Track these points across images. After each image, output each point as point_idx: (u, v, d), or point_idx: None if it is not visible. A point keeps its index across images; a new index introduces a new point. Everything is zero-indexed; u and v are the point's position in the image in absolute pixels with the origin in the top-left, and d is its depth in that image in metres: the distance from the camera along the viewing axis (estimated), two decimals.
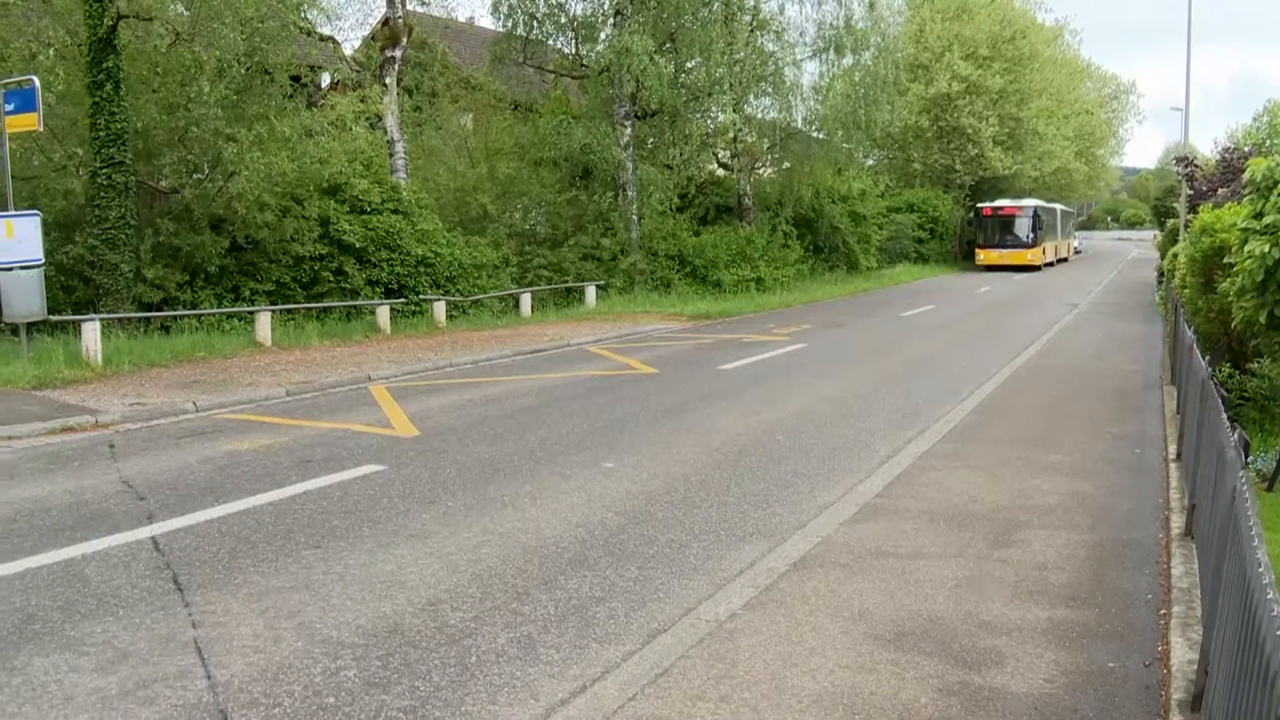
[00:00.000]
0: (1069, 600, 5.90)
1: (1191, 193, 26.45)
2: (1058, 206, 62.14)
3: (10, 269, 14.47)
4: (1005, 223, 52.74)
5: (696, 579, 6.55)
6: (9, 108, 15.11)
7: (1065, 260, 62.75)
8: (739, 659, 5.15)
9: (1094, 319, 24.45)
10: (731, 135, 34.51)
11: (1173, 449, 9.99)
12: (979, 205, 54.51)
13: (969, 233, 57.59)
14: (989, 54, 52.85)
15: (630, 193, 30.36)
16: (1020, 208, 52.67)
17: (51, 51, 20.71)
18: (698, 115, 32.21)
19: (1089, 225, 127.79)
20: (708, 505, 8.28)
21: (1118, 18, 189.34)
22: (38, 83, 15.07)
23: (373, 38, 30.48)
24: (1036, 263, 52.37)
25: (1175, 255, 19.99)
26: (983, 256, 52.89)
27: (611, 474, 9.36)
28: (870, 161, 51.89)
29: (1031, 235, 51.96)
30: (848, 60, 35.29)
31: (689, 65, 31.18)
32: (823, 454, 10.15)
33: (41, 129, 15.90)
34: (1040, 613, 5.71)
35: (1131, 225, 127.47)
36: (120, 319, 18.69)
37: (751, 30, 32.33)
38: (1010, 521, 7.42)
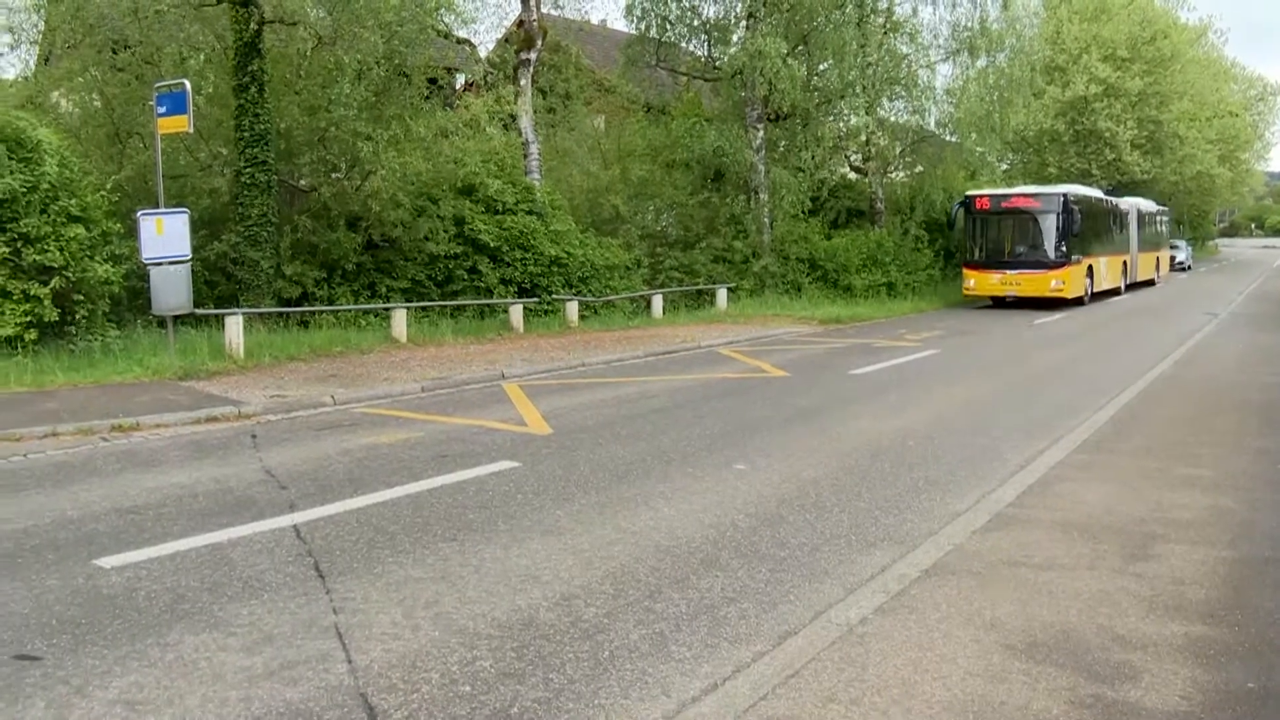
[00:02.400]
0: (1207, 617, 5.74)
1: None
2: (1125, 202, 40.37)
3: (160, 264, 14.93)
4: (1013, 224, 31.92)
5: (827, 582, 6.49)
6: (161, 110, 15.57)
7: (1151, 284, 43.34)
8: (870, 663, 5.11)
9: (1235, 329, 23.70)
10: (864, 138, 34.25)
11: None
12: (969, 194, 32.84)
13: (950, 238, 37.13)
14: (1128, 55, 51.57)
15: (762, 195, 30.26)
16: (1039, 197, 31.67)
17: (200, 56, 21.37)
18: (830, 118, 32.02)
19: (1231, 232, 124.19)
20: (839, 510, 8.21)
21: (1265, 16, 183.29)
22: (189, 86, 15.51)
23: (507, 40, 30.83)
24: (1069, 292, 31.11)
25: None
26: (974, 282, 31.79)
27: (743, 476, 9.33)
28: (1004, 165, 51.06)
29: (1059, 246, 30.79)
30: (982, 62, 34.72)
31: (821, 68, 31.00)
32: (954, 461, 9.99)
33: (191, 130, 16.37)
34: (1177, 628, 5.56)
35: (1277, 233, 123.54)
36: (261, 313, 19.19)
37: (885, 32, 32.03)
38: (1146, 535, 7.23)
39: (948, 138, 36.45)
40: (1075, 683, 4.86)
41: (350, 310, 20.95)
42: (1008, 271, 31.09)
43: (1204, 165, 59.77)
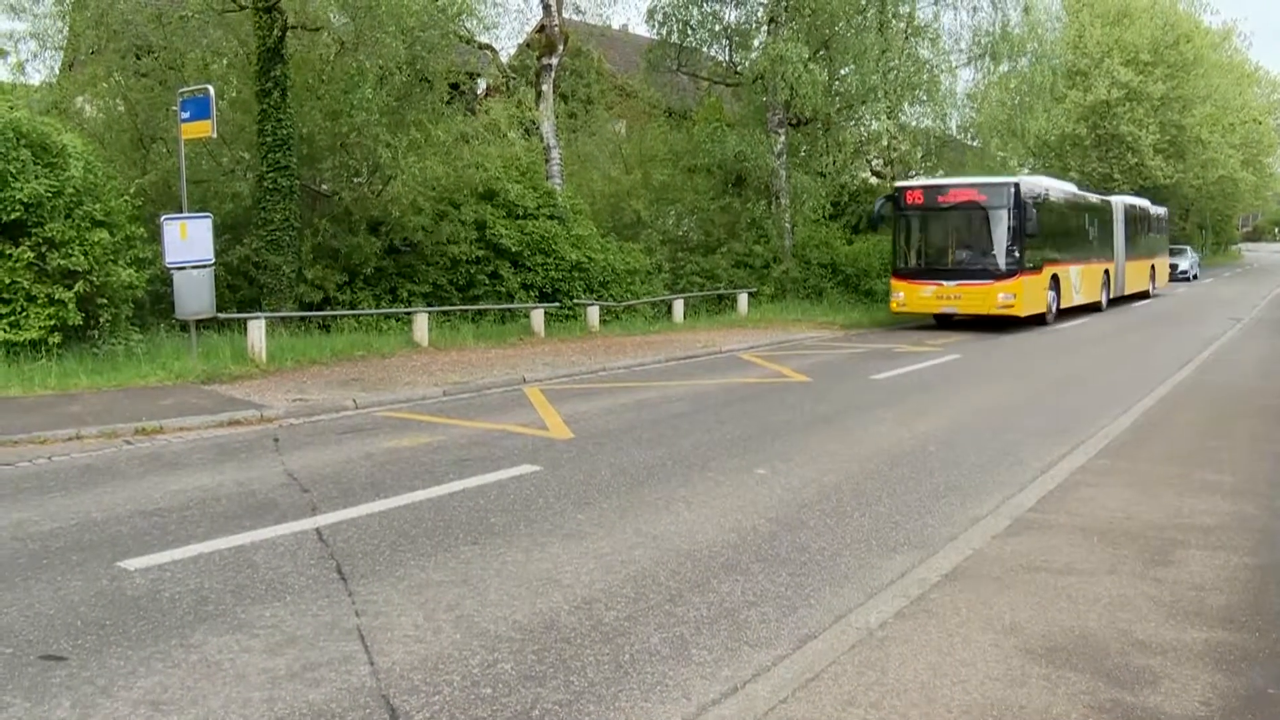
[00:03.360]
0: (1227, 623, 5.71)
1: None
2: (1107, 198, 34.50)
3: (183, 268, 15.02)
4: (952, 223, 25.84)
5: (848, 587, 6.49)
6: (185, 115, 15.67)
7: (1144, 296, 37.15)
8: (890, 667, 5.10)
9: (1259, 335, 23.59)
10: (885, 143, 34.26)
11: None
12: (899, 186, 27.35)
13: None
14: (1151, 59, 51.38)
15: (783, 200, 30.25)
16: (985, 189, 25.13)
17: (224, 61, 21.50)
18: (851, 123, 31.97)
19: (1255, 236, 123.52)
20: (859, 514, 8.20)
21: None
22: (212, 91, 15.61)
23: (528, 45, 30.94)
24: (1021, 308, 24.74)
25: None
26: (903, 295, 25.61)
27: (764, 481, 9.33)
28: (1025, 170, 50.93)
29: (1010, 250, 24.46)
30: (1004, 67, 34.62)
31: (843, 73, 30.92)
32: (975, 466, 9.97)
33: (214, 135, 16.47)
34: (1197, 634, 5.54)
35: None
36: (283, 318, 19.26)
37: (906, 37, 31.93)
38: (1167, 540, 7.20)
39: (969, 143, 36.38)
40: (1095, 687, 4.85)
41: (372, 314, 21.03)
42: (944, 283, 24.68)
43: (1227, 170, 59.48)
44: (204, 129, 15.61)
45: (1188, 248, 55.98)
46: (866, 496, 8.76)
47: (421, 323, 19.84)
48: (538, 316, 22.44)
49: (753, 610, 6.06)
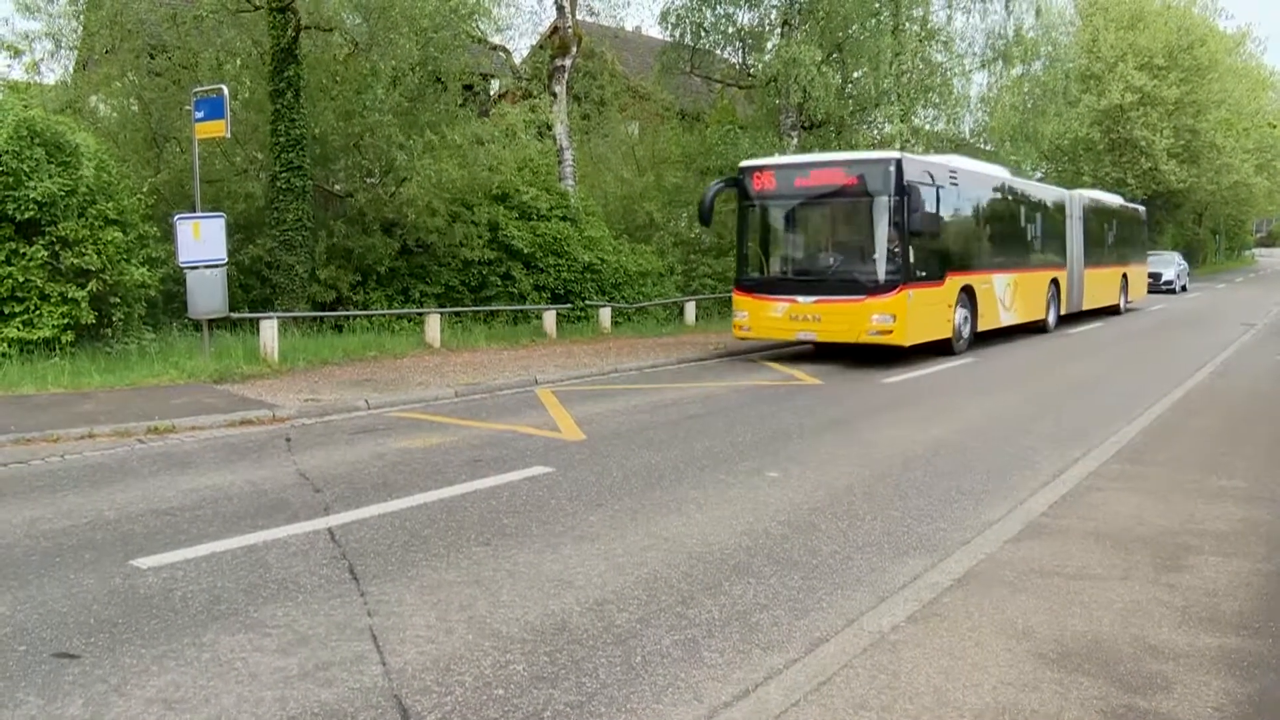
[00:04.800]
0: (1240, 629, 5.68)
1: None
2: (1054, 190, 28.33)
3: (196, 268, 15.04)
4: (813, 217, 20.00)
5: (860, 590, 6.47)
6: (199, 115, 15.71)
7: (1114, 311, 32.10)
8: (901, 671, 5.09)
9: (1273, 340, 23.51)
10: (898, 146, 34.16)
11: None
12: (744, 165, 20.04)
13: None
14: (1165, 64, 51.31)
15: None
16: (854, 167, 18.48)
17: (237, 61, 21.55)
18: (864, 126, 31.93)
19: (1269, 242, 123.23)
20: (871, 518, 8.18)
21: None
22: (226, 91, 15.64)
23: (541, 46, 30.99)
24: (904, 335, 18.04)
25: None
26: (747, 315, 19.40)
27: (776, 484, 9.32)
28: (1038, 175, 50.80)
29: (891, 254, 17.95)
30: (1017, 70, 34.58)
31: (856, 76, 30.87)
32: (987, 470, 9.94)
33: (228, 135, 16.50)
34: (1210, 640, 5.51)
35: None
36: (295, 317, 19.30)
37: (920, 41, 31.89)
38: (1179, 546, 7.17)
39: (982, 146, 36.30)
40: (1107, 692, 4.83)
41: (384, 315, 21.07)
42: (799, 299, 18.46)
43: (1241, 175, 59.37)
44: (218, 129, 15.64)
45: (1175, 253, 51.15)
46: (878, 500, 8.74)
47: (434, 323, 19.86)
48: (550, 318, 22.47)
49: (765, 613, 6.05)
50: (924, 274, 18.51)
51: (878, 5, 29.01)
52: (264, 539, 7.36)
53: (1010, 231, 23.84)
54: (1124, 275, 33.07)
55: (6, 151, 14.28)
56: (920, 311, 18.34)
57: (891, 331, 17.79)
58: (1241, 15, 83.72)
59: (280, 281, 19.55)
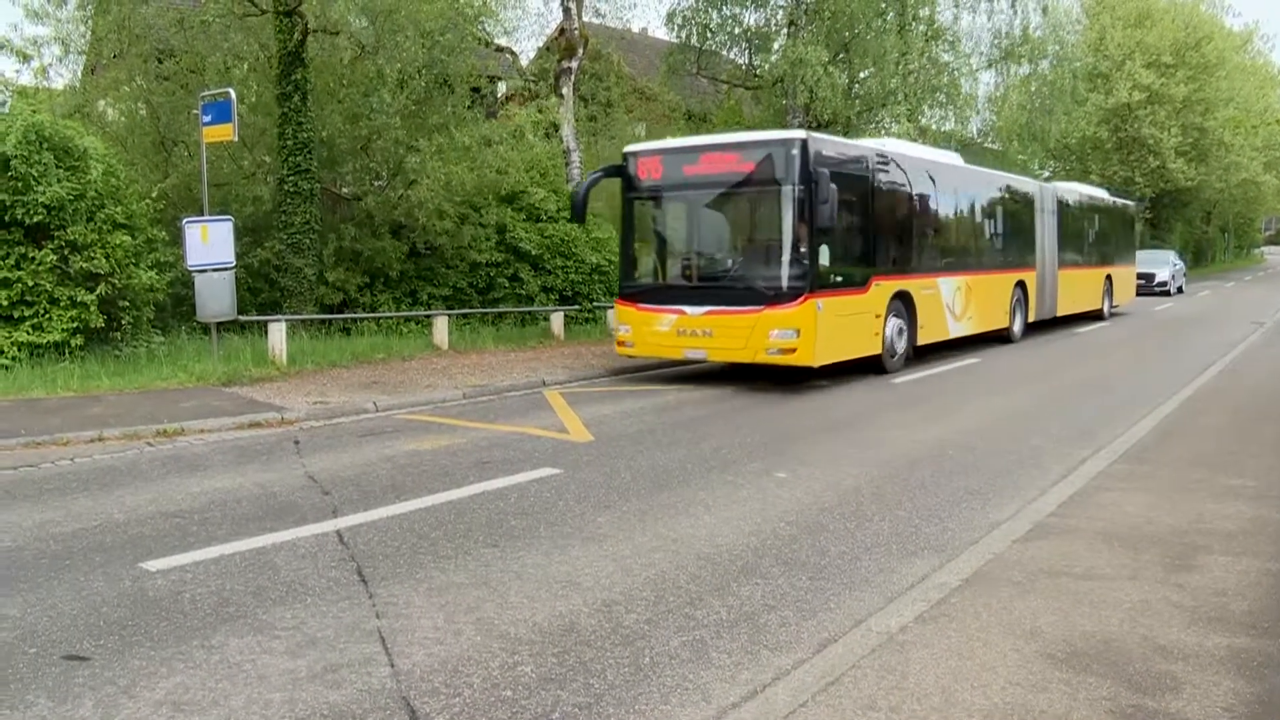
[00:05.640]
0: (1249, 629, 5.67)
1: None
2: (1009, 178, 24.20)
3: (205, 271, 15.08)
4: (704, 210, 16.31)
5: (868, 591, 6.46)
6: (207, 119, 15.75)
7: (1096, 316, 29.26)
8: (910, 671, 5.08)
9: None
10: None
11: None
12: (629, 151, 16.79)
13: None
14: (1172, 62, 51.19)
15: None
16: (749, 150, 15.33)
17: (245, 65, 21.59)
18: (871, 126, 31.92)
19: (1278, 240, 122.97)
20: (879, 518, 8.18)
21: None
22: (234, 95, 15.67)
23: (548, 48, 31.00)
24: (810, 354, 14.87)
25: None
26: (629, 329, 16.29)
27: (784, 484, 9.31)
28: (1046, 174, 50.73)
29: (795, 255, 14.85)
30: (1024, 70, 34.59)
31: (862, 76, 30.88)
32: (995, 470, 9.92)
33: (235, 139, 16.54)
34: (1219, 640, 5.49)
35: None
36: (303, 320, 19.33)
37: (926, 40, 31.88)
38: (1188, 546, 7.14)
39: (990, 146, 36.27)
40: (1116, 693, 4.82)
41: (392, 317, 21.10)
42: (688, 309, 15.51)
43: (1250, 173, 59.25)
44: (225, 133, 15.68)
45: (1169, 252, 47.51)
46: (886, 500, 8.74)
47: (442, 325, 19.88)
48: (557, 319, 22.47)
49: (772, 614, 6.05)
50: (840, 279, 15.66)
51: (884, 5, 29.00)
52: (273, 541, 7.38)
53: (962, 227, 21.02)
54: (1108, 277, 30.06)
55: (15, 156, 14.33)
56: (834, 324, 15.28)
57: (795, 349, 14.77)
58: (1249, 12, 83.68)
59: (288, 284, 19.57)
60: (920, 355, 18.76)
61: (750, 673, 5.23)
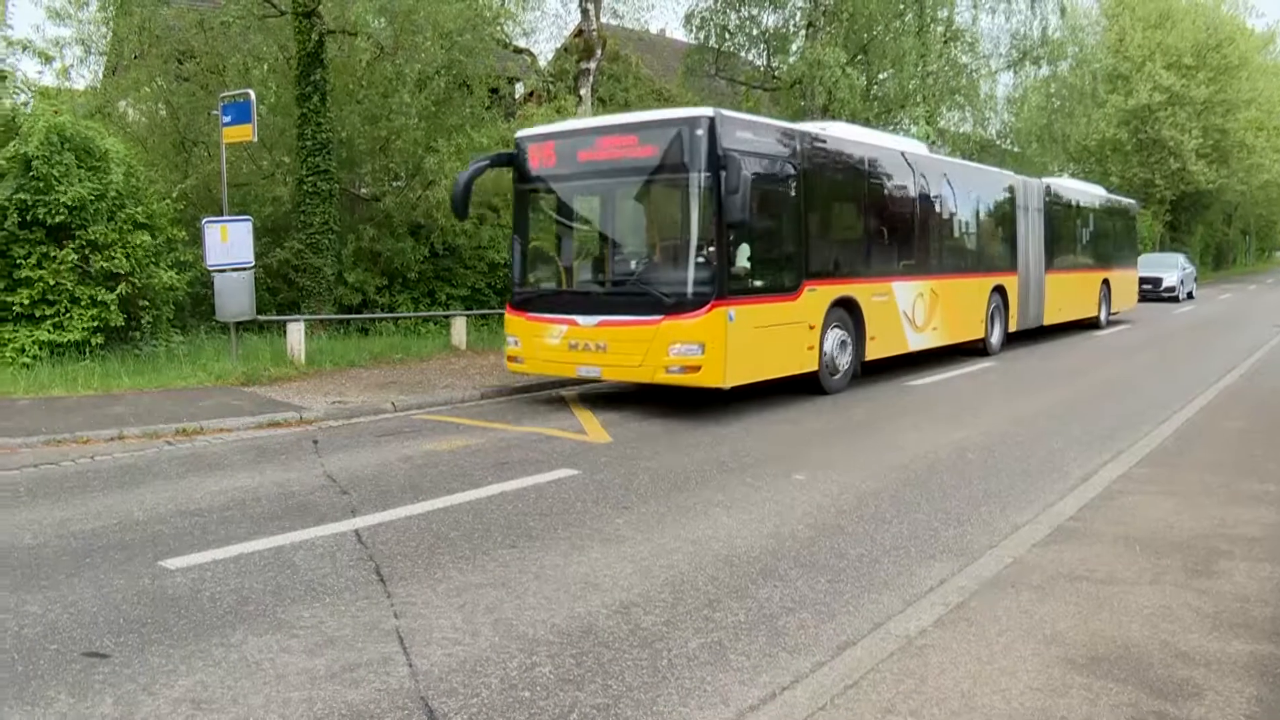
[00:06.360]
0: (1272, 635, 5.61)
1: None
2: (983, 169, 22.44)
3: (224, 270, 15.12)
4: (601, 202, 14.45)
5: (887, 594, 6.44)
6: (226, 119, 15.80)
7: (1092, 325, 26.77)
8: (929, 675, 5.05)
9: None
10: (925, 148, 34.13)
11: None
12: (520, 136, 14.52)
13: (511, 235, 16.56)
14: (1193, 63, 50.92)
15: None
16: (650, 131, 12.95)
17: (264, 66, 21.66)
18: (890, 128, 31.90)
19: None
20: (898, 521, 8.14)
21: None
22: (253, 96, 15.71)
23: (566, 49, 31.00)
24: (719, 373, 12.44)
25: None
26: (518, 341, 14.09)
27: (802, 486, 9.28)
28: (1065, 176, 50.58)
29: (702, 256, 12.50)
30: (1043, 71, 34.52)
31: (881, 77, 30.86)
32: (1014, 474, 9.86)
33: (255, 139, 16.59)
34: (1241, 646, 5.45)
35: None
36: (322, 320, 19.38)
37: (945, 42, 31.83)
38: (1210, 551, 7.09)
39: (1009, 148, 36.18)
40: (1137, 698, 4.79)
41: (411, 317, 21.15)
42: (580, 320, 13.26)
43: (1272, 174, 58.83)
44: (245, 133, 15.72)
45: (1178, 255, 44.33)
46: (905, 503, 8.71)
47: (460, 326, 19.90)
48: None
49: (791, 616, 6.03)
50: (761, 283, 13.52)
51: (902, 6, 28.96)
52: (291, 540, 7.40)
53: (926, 225, 18.40)
54: (1105, 281, 27.43)
55: (37, 157, 14.41)
56: (752, 337, 12.99)
57: (699, 367, 12.44)
58: (1272, 13, 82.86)
59: (307, 284, 19.63)
60: (879, 370, 17.08)
61: (769, 675, 5.22)
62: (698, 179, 12.40)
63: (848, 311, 15.23)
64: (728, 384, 12.68)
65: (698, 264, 12.50)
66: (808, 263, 14.28)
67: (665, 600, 6.25)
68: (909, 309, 16.99)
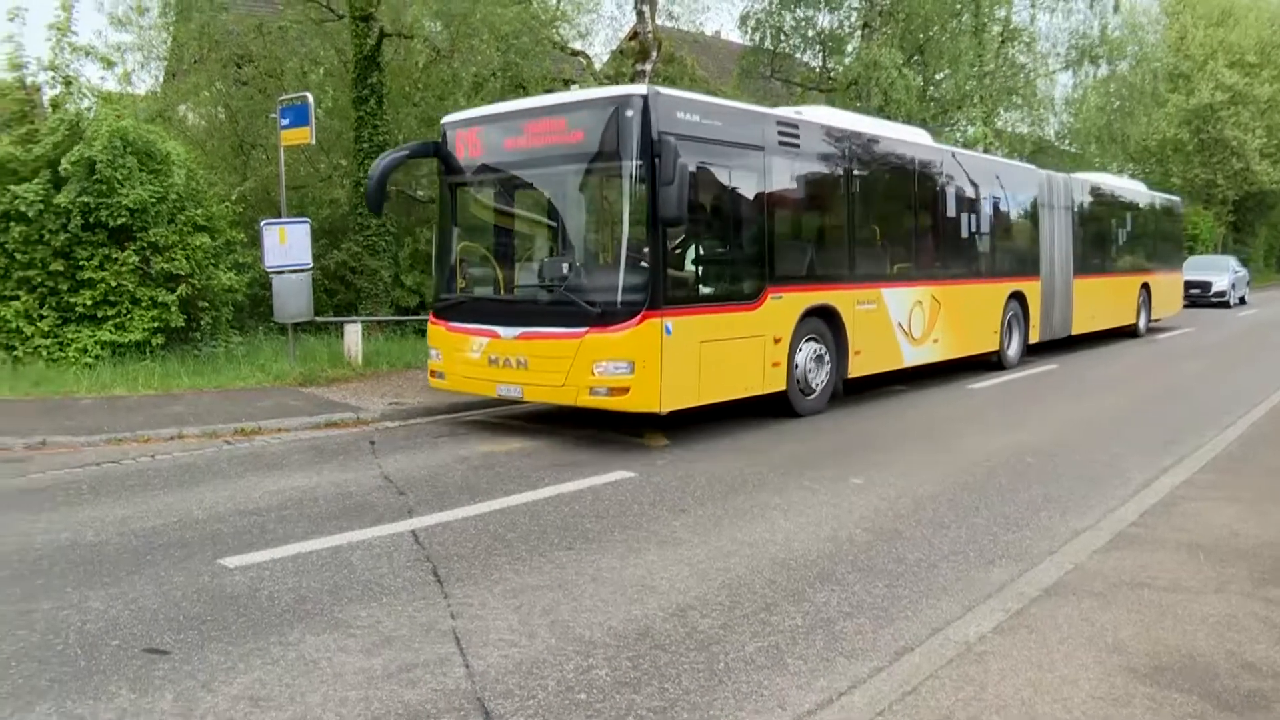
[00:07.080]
0: None
1: None
2: (994, 159, 21.35)
3: (282, 272, 15.23)
4: (531, 195, 12.91)
5: (945, 599, 6.36)
6: (285, 122, 15.90)
7: (1130, 333, 24.57)
8: (988, 682, 4.99)
9: None
10: (981, 148, 33.88)
11: None
12: (447, 122, 12.72)
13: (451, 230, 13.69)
14: (1257, 60, 50.07)
15: None
16: (576, 114, 11.34)
17: (321, 70, 21.84)
18: (946, 128, 31.67)
19: None
20: (956, 526, 8.06)
21: None
22: (311, 99, 15.82)
23: (622, 52, 30.98)
24: (654, 397, 10.56)
25: None
26: (439, 354, 12.53)
27: (859, 490, 9.21)
28: (1125, 177, 49.98)
29: (632, 257, 10.77)
30: (1102, 71, 34.14)
31: (938, 78, 30.68)
32: (1074, 479, 9.74)
33: (313, 142, 16.71)
34: None
35: None
36: (379, 321, 19.49)
37: (1002, 41, 31.59)
38: (1277, 559, 6.96)
39: (1067, 148, 35.82)
40: (1203, 710, 4.69)
41: None
42: (501, 332, 11.60)
43: None
44: (303, 136, 15.81)
45: (1229, 258, 41.39)
46: (963, 508, 8.62)
47: None
48: None
49: (849, 621, 5.98)
50: (711, 290, 11.86)
51: (959, 6, 28.77)
52: (349, 540, 7.43)
53: (927, 224, 16.50)
54: (1144, 286, 24.93)
55: (100, 160, 14.57)
56: (695, 353, 11.17)
57: (628, 389, 10.65)
58: None
59: (364, 286, 19.75)
60: (871, 386, 15.64)
61: (826, 680, 5.17)
62: (630, 168, 10.70)
63: (825, 322, 13.39)
64: (664, 409, 10.87)
65: (628, 268, 10.82)
66: (772, 267, 12.43)
67: (722, 603, 6.22)
68: (904, 319, 15.09)
